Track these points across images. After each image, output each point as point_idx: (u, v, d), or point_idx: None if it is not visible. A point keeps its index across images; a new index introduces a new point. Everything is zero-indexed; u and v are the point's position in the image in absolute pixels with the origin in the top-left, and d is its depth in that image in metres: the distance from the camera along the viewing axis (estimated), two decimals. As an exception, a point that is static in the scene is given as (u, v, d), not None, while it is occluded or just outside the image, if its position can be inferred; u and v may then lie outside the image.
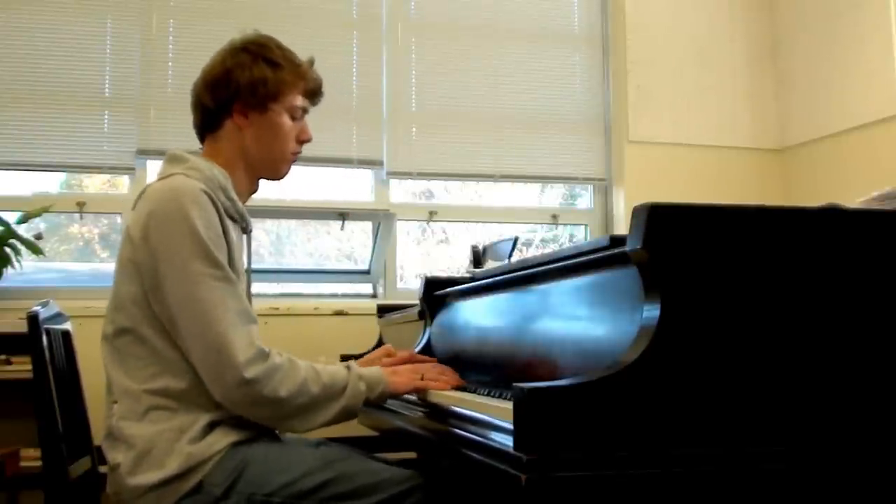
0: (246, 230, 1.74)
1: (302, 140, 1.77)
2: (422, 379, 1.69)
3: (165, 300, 1.51)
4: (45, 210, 2.89)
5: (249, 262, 1.79)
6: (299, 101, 1.74)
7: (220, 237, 1.55)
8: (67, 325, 1.91)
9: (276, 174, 1.78)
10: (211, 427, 1.52)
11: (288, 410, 1.52)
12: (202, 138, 1.76)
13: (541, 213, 3.69)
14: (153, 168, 3.18)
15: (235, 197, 1.67)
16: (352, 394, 1.57)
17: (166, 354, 1.53)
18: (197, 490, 1.47)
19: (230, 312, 1.49)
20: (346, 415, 1.59)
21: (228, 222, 1.61)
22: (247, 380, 1.46)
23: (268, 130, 1.71)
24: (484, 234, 3.54)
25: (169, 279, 1.50)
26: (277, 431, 1.67)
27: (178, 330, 1.51)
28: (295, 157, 1.78)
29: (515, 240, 2.14)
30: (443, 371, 1.74)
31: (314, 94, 1.79)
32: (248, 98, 1.69)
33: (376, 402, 1.65)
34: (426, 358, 1.87)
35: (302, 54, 1.78)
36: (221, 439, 1.51)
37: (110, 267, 3.19)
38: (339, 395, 1.56)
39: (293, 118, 1.74)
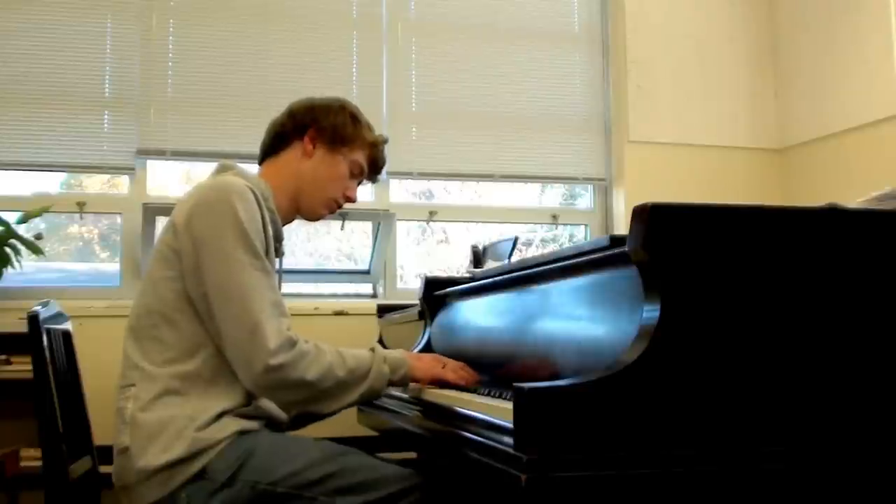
0: (279, 252, 1.77)
1: (347, 196, 1.84)
2: (443, 368, 1.72)
3: (203, 284, 1.55)
4: (45, 210, 2.89)
5: (280, 286, 1.81)
6: (363, 161, 1.83)
7: (260, 232, 1.60)
8: (67, 325, 1.91)
9: (313, 213, 1.83)
10: (219, 417, 1.55)
11: (314, 393, 1.56)
12: (261, 163, 1.83)
13: (541, 213, 3.69)
14: (153, 168, 3.18)
15: (275, 209, 1.71)
16: (376, 376, 1.63)
17: (192, 338, 1.57)
18: (201, 476, 1.49)
19: (266, 301, 1.54)
20: (371, 396, 1.65)
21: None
22: (274, 366, 1.50)
23: (326, 169, 1.79)
24: (484, 234, 3.53)
25: (209, 264, 1.55)
26: (283, 423, 1.72)
27: (213, 312, 1.54)
28: (335, 209, 1.84)
29: (515, 240, 2.13)
30: (463, 367, 1.76)
31: (376, 166, 1.87)
32: (324, 131, 1.78)
33: (399, 384, 1.70)
34: None
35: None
36: (227, 427, 1.54)
37: (110, 267, 3.23)
38: (364, 378, 1.61)
39: (351, 173, 1.82)
